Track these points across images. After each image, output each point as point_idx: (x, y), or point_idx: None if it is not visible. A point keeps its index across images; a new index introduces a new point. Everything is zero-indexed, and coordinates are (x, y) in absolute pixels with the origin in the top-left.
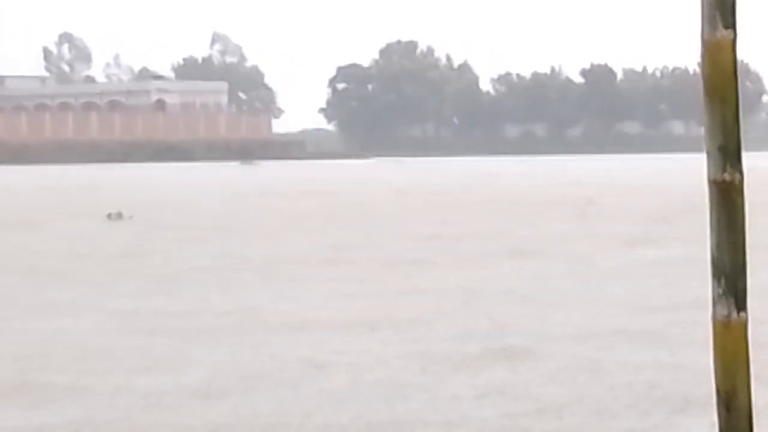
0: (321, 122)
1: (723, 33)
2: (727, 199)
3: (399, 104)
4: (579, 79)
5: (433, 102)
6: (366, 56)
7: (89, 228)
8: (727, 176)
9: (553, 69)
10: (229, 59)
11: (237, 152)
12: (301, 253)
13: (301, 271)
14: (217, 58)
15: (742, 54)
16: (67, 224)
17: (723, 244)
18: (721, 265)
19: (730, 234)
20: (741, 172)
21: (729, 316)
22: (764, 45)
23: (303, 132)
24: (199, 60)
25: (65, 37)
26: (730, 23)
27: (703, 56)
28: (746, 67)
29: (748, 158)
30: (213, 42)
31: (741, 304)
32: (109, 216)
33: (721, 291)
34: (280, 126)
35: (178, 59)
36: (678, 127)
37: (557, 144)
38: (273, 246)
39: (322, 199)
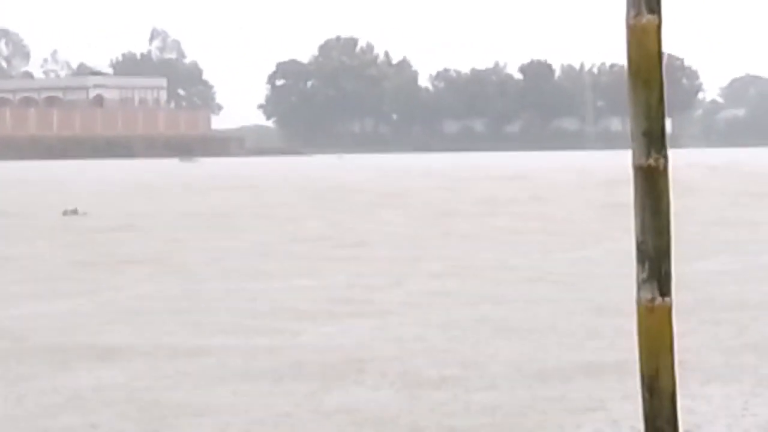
0: (260, 118)
1: (648, 17)
2: (652, 184)
3: (338, 100)
4: (518, 75)
5: (372, 98)
6: (305, 52)
7: (49, 223)
8: (651, 161)
9: (495, 64)
10: (167, 55)
11: (176, 148)
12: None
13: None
14: (155, 54)
15: (679, 50)
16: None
17: (647, 228)
18: (646, 250)
19: (655, 219)
20: (666, 157)
21: (653, 300)
22: (700, 41)
23: (242, 128)
24: (138, 56)
25: (2, 33)
26: (655, 8)
27: (627, 41)
28: (682, 63)
29: (684, 155)
30: (152, 38)
31: (665, 289)
32: (65, 212)
33: (645, 276)
34: (219, 122)
35: (116, 55)
36: (615, 124)
37: (496, 140)
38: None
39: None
